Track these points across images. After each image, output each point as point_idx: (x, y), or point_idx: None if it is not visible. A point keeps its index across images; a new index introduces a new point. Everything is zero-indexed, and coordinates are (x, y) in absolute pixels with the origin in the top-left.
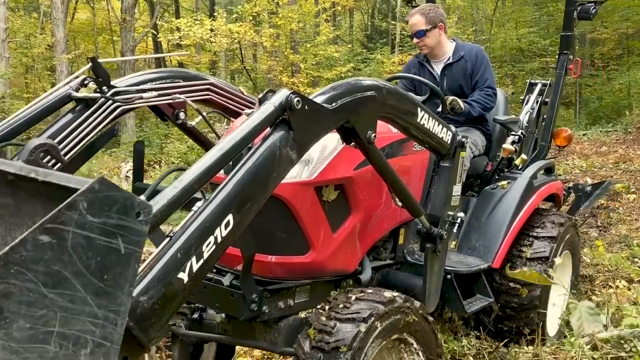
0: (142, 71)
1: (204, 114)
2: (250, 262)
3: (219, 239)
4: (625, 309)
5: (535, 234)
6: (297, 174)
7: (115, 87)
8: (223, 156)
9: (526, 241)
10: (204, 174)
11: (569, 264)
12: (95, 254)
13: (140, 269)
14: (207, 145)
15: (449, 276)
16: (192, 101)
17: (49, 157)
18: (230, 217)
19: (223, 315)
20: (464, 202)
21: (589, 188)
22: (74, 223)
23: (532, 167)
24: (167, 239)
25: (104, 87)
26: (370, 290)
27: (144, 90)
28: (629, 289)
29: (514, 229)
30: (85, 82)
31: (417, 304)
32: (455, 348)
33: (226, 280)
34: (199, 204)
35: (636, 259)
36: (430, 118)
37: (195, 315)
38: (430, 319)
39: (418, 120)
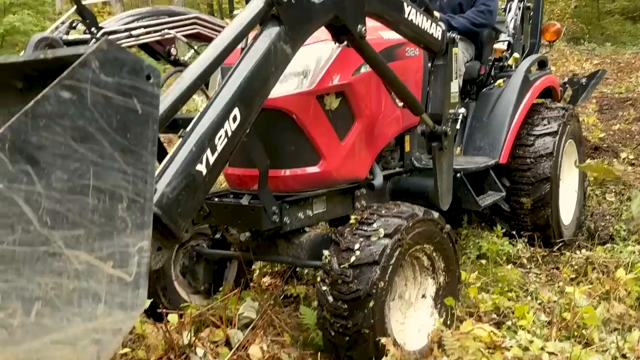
0: (127, 12)
1: (195, 47)
2: (265, 175)
3: (229, 133)
4: None
5: (542, 116)
6: (297, 85)
7: (103, 27)
8: (219, 53)
9: (534, 122)
10: (204, 71)
11: (574, 152)
12: (115, 112)
13: (160, 166)
14: None
15: (458, 175)
16: (182, 36)
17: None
18: (236, 111)
19: (247, 233)
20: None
21: (584, 80)
22: (90, 81)
23: (525, 62)
24: (180, 138)
25: (93, 29)
26: (391, 206)
27: (133, 29)
28: None
29: (516, 123)
30: (74, 24)
31: (436, 214)
32: (511, 252)
33: (245, 200)
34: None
35: None
36: (418, 14)
37: (218, 236)
38: (448, 227)
39: (406, 15)
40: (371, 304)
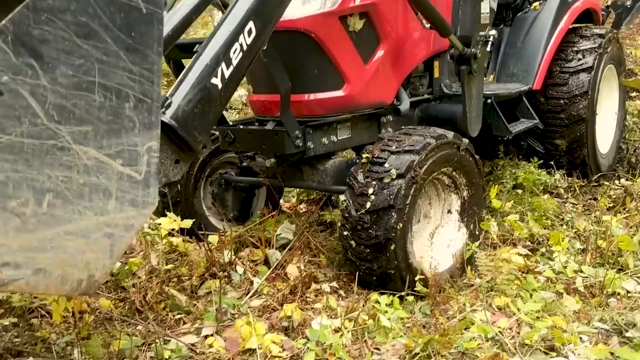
0: None
1: None
2: (287, 98)
3: (245, 47)
4: None
5: (576, 48)
6: (320, 5)
7: None
8: None
9: (568, 56)
10: None
11: (614, 79)
12: (118, 10)
13: (176, 81)
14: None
15: (489, 101)
16: None
17: None
18: (251, 25)
19: (272, 160)
20: (497, 33)
21: (629, 3)
22: None
23: None
24: (196, 53)
25: None
26: (402, 137)
27: None
28: None
29: (552, 48)
30: None
31: (466, 140)
32: (548, 182)
33: (269, 126)
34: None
35: None
36: None
37: (245, 164)
38: (465, 141)
39: None
40: (392, 247)
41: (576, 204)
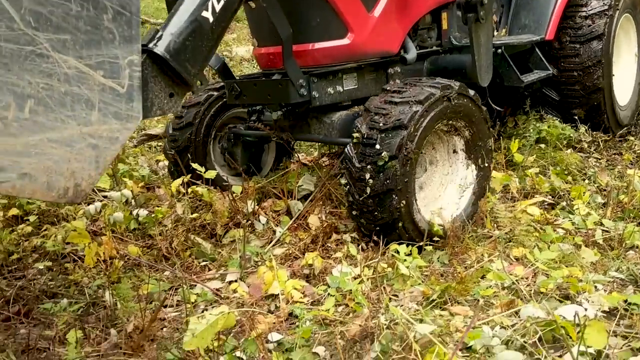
0: None
1: None
2: (289, 46)
3: None
4: None
5: (583, 13)
6: None
7: None
8: None
9: (576, 19)
10: None
11: (632, 27)
12: None
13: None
14: None
15: (499, 51)
16: None
17: None
18: None
19: (279, 112)
20: None
21: None
22: None
23: None
24: None
25: None
26: (426, 78)
27: None
28: None
29: None
30: None
31: (472, 91)
32: (572, 136)
33: (274, 77)
34: None
35: None
36: None
37: (253, 118)
38: (455, 85)
39: None
40: (400, 224)
41: (600, 159)
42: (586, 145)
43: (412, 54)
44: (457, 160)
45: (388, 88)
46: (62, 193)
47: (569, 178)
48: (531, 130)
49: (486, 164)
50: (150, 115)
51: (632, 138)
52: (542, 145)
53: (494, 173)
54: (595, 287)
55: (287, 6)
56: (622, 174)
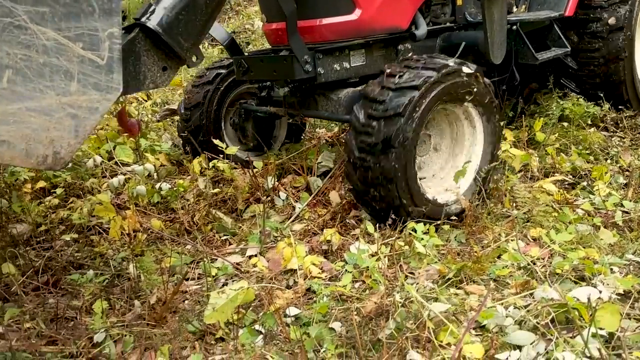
0: None
1: None
2: (293, 21)
3: None
4: None
5: None
6: None
7: None
8: None
9: None
10: None
11: None
12: None
13: None
14: None
15: (514, 27)
16: None
17: None
18: None
19: (286, 89)
20: None
21: None
22: None
23: None
24: None
25: None
26: (424, 58)
27: None
28: None
29: None
30: None
31: (473, 67)
32: (596, 114)
33: (282, 54)
34: None
35: None
36: None
37: (263, 93)
38: (487, 81)
39: None
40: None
41: (623, 138)
42: (611, 124)
43: (422, 30)
44: (464, 136)
45: (387, 70)
46: (40, 160)
47: (591, 158)
48: (554, 107)
49: (494, 142)
50: (143, 88)
51: None
52: (565, 124)
53: (514, 151)
54: (611, 269)
55: None
56: None
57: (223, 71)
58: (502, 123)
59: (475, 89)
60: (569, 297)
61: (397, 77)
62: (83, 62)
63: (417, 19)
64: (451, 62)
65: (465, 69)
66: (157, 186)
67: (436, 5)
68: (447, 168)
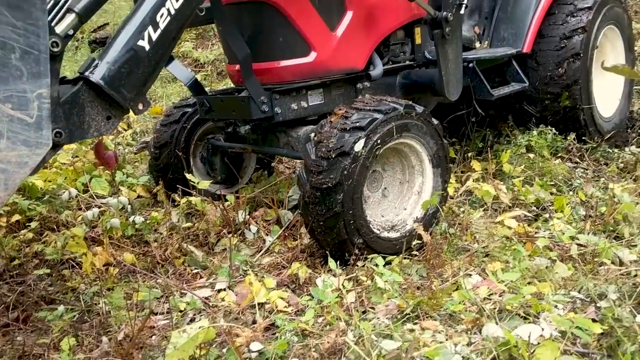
0: None
1: None
2: (247, 65)
3: (172, 11)
4: None
5: (567, 11)
6: None
7: None
8: None
9: (558, 20)
10: None
11: (617, 37)
12: None
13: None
14: None
15: (470, 65)
16: None
17: None
18: None
19: (247, 127)
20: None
21: None
22: None
23: None
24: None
25: None
26: (373, 100)
27: None
28: None
29: (542, 10)
30: None
31: (420, 109)
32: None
33: (242, 94)
34: None
35: None
36: None
37: (229, 129)
38: (435, 122)
39: None
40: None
41: (586, 169)
42: (576, 154)
43: (377, 70)
44: (414, 172)
45: (336, 112)
46: None
47: (554, 190)
48: (520, 139)
49: (444, 178)
50: (87, 136)
51: (615, 150)
52: (531, 155)
53: (482, 185)
54: (556, 306)
55: (251, 27)
56: (606, 186)
57: (189, 110)
58: (449, 167)
59: (423, 129)
60: (510, 335)
61: (346, 117)
62: (12, 120)
63: (374, 59)
64: (398, 103)
65: (413, 110)
66: (130, 219)
67: (395, 44)
68: (398, 203)
